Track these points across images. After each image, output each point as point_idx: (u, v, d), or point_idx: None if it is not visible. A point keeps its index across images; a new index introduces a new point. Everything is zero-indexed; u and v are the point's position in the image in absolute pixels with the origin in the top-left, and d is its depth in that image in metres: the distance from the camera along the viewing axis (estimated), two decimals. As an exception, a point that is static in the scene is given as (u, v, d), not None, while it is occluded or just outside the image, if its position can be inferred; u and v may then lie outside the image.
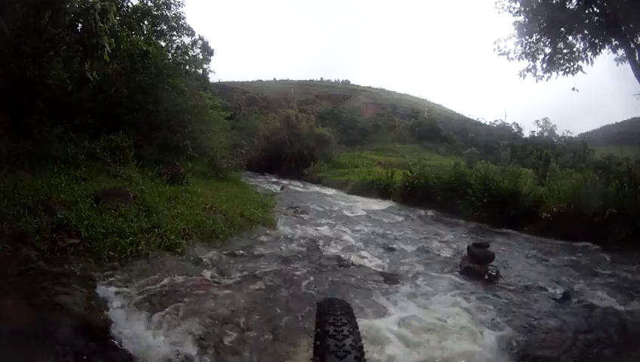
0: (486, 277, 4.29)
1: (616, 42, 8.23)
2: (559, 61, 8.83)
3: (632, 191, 6.87)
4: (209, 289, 3.27)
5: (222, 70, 33.09)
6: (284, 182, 16.38)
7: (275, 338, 2.66)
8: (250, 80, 45.56)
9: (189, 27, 13.17)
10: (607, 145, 18.74)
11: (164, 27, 11.44)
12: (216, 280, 3.52)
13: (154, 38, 10.32)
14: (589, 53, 8.59)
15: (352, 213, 9.04)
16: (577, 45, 8.70)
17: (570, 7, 8.23)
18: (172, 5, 11.23)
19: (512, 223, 7.85)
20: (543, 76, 9.07)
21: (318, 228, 6.67)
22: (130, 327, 2.50)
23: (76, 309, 2.42)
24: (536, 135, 33.16)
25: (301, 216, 7.87)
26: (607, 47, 8.41)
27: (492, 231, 7.58)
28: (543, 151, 15.88)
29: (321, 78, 51.31)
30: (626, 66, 8.09)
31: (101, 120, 7.01)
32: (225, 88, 33.13)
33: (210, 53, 17.77)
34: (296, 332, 2.76)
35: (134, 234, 3.72)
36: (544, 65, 8.95)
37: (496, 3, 8.82)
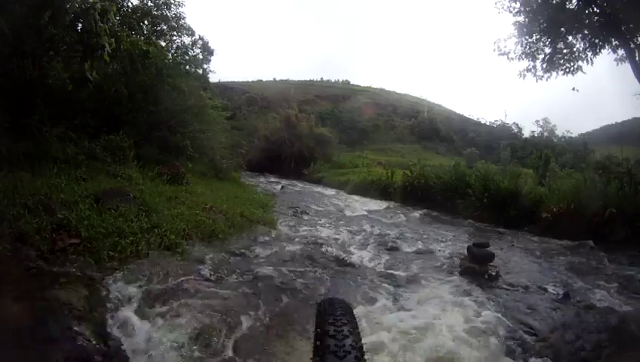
0: (486, 277, 4.29)
1: (616, 42, 8.24)
2: (559, 61, 8.84)
3: (632, 191, 6.87)
4: (208, 288, 3.27)
5: (222, 70, 33.19)
6: (284, 182, 16.38)
7: (274, 338, 2.67)
8: (250, 80, 45.56)
9: (189, 27, 13.20)
10: (607, 145, 18.66)
11: (164, 27, 11.46)
12: (216, 279, 3.52)
13: (154, 38, 10.32)
14: (589, 53, 8.60)
15: (352, 212, 9.04)
16: (577, 45, 8.72)
17: (570, 7, 8.24)
18: (172, 5, 11.25)
19: (512, 223, 7.86)
20: (543, 76, 9.09)
21: (319, 228, 6.68)
22: (130, 326, 2.51)
23: (76, 309, 2.42)
24: (536, 135, 33.17)
25: (301, 216, 7.87)
26: (607, 47, 8.42)
27: (492, 231, 7.58)
28: (542, 152, 15.85)
29: (321, 78, 51.34)
30: (626, 66, 8.11)
31: (101, 120, 7.00)
32: (225, 88, 33.09)
33: (210, 53, 17.82)
34: (296, 331, 2.77)
35: (134, 234, 3.72)
36: (544, 65, 8.96)
37: (496, 3, 8.85)
